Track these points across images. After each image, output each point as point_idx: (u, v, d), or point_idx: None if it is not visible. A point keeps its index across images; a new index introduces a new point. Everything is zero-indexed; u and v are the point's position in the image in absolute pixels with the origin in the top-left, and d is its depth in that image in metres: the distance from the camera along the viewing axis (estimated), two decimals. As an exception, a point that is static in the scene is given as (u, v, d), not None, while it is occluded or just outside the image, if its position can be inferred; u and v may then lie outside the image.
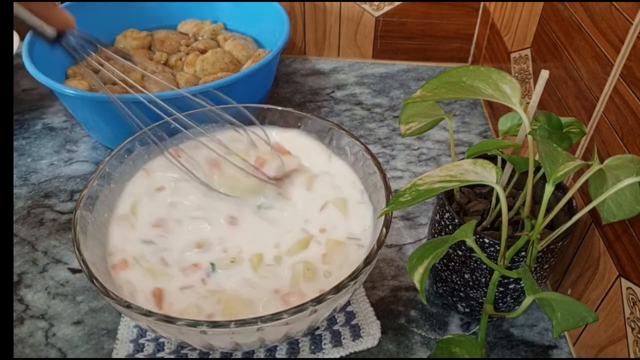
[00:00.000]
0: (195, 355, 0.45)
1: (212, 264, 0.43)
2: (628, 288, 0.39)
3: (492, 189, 0.45)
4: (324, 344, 0.46)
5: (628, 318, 0.39)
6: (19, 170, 0.64)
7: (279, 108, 0.53)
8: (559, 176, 0.34)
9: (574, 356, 0.46)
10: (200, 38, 0.76)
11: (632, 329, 0.38)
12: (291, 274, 0.43)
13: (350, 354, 0.46)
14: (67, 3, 0.70)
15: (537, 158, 0.37)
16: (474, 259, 0.42)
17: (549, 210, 0.38)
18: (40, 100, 0.75)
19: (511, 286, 0.43)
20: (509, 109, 0.40)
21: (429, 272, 0.35)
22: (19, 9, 0.40)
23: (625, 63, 0.39)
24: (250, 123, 0.51)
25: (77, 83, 0.64)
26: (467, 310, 0.47)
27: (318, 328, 0.47)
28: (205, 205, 0.48)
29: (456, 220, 0.42)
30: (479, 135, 0.71)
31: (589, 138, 0.45)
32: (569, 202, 0.43)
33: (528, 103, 0.39)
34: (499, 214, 0.43)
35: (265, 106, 0.53)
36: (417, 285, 0.35)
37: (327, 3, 0.79)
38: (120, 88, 0.65)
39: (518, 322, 0.49)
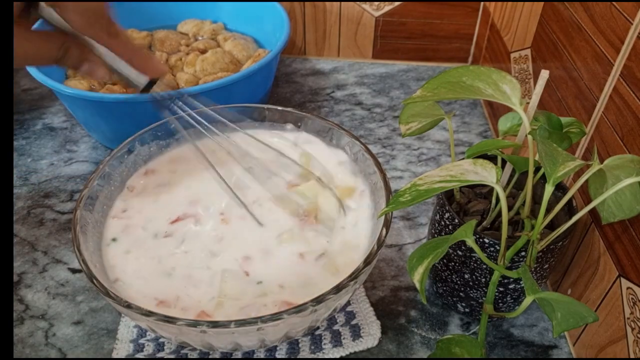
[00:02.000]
0: (195, 355, 0.45)
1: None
2: (628, 288, 0.39)
3: (492, 189, 0.45)
4: (324, 344, 0.46)
5: (628, 318, 0.39)
6: (19, 170, 0.64)
7: (279, 108, 0.53)
8: (559, 176, 0.34)
9: (574, 356, 0.46)
10: (200, 38, 0.76)
11: (632, 329, 0.38)
12: None
13: (350, 354, 0.46)
14: (67, 3, 0.69)
15: (537, 158, 0.37)
16: (474, 259, 0.42)
17: (549, 210, 0.38)
18: (40, 100, 0.75)
19: (511, 286, 0.43)
20: (509, 109, 0.40)
21: (429, 272, 0.35)
22: (118, 63, 0.40)
23: (625, 63, 0.39)
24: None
25: (77, 83, 0.64)
26: (467, 310, 0.47)
27: (318, 328, 0.47)
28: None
29: (456, 220, 0.42)
30: (479, 135, 0.71)
31: (589, 138, 0.45)
32: (569, 202, 0.43)
33: (528, 103, 0.39)
34: (499, 214, 0.43)
35: (265, 106, 0.53)
36: (417, 285, 0.35)
37: (327, 3, 0.79)
38: (119, 88, 0.65)
39: (518, 322, 0.49)
